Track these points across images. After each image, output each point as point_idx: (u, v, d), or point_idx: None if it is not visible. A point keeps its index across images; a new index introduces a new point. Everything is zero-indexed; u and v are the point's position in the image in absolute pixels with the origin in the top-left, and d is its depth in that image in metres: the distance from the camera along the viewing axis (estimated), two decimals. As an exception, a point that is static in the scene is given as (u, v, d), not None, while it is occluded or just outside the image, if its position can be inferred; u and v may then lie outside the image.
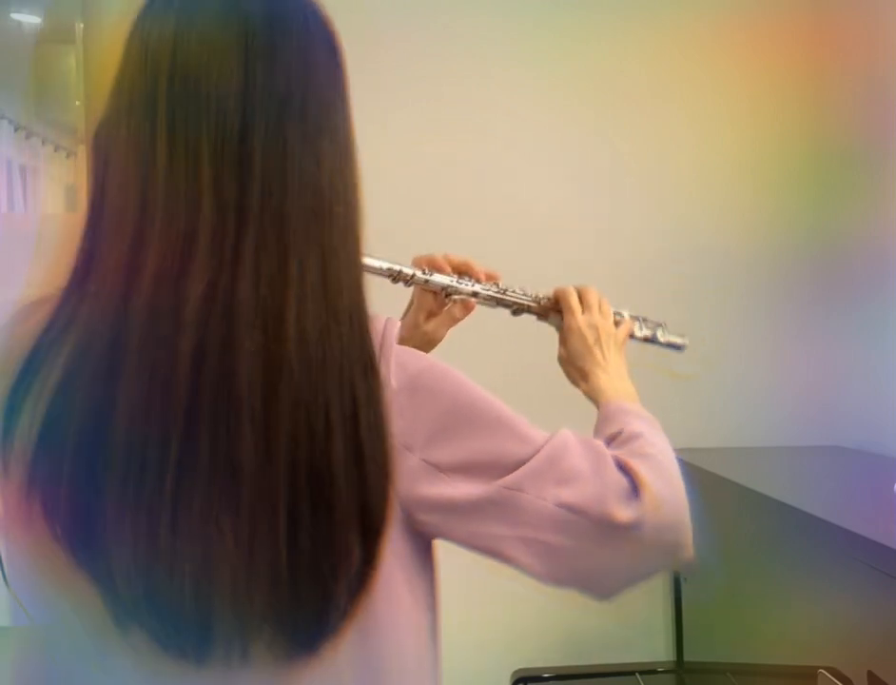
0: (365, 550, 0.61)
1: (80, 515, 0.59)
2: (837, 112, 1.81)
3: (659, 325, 1.09)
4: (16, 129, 1.75)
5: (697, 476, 1.56)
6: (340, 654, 0.62)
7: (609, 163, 1.86)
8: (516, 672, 1.76)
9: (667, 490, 0.69)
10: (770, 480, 1.44)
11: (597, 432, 0.81)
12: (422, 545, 0.69)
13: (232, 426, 0.58)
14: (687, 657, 1.73)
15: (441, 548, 0.76)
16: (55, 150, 1.77)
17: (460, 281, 0.96)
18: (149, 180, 0.61)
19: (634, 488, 0.66)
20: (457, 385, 0.67)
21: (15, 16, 1.76)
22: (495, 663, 1.79)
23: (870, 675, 0.98)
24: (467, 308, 0.97)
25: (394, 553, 0.64)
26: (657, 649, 1.83)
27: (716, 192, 1.87)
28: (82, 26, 1.69)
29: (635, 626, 1.82)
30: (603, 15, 1.85)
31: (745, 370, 1.85)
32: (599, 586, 0.69)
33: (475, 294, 0.97)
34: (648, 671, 1.74)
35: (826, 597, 1.13)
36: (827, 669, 1.06)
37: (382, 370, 0.64)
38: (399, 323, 0.68)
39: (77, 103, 1.72)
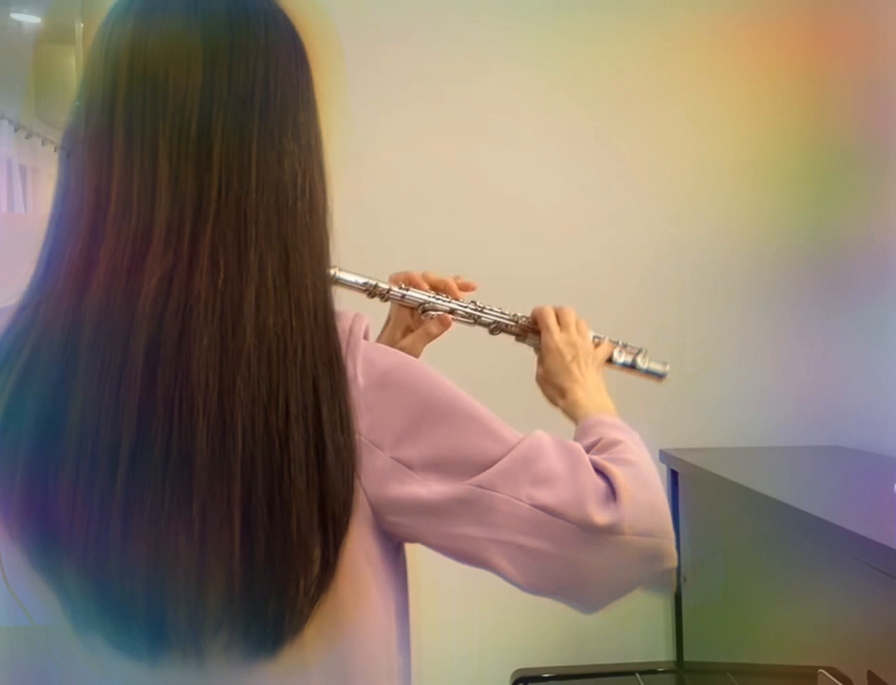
0: (325, 551, 0.60)
1: (33, 515, 0.59)
2: (837, 112, 1.81)
3: (640, 351, 1.05)
4: (16, 129, 1.75)
5: (697, 476, 1.57)
6: (307, 657, 0.61)
7: (609, 163, 1.86)
8: (516, 672, 1.76)
9: (646, 495, 0.67)
10: (770, 480, 1.44)
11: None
12: (392, 548, 0.68)
13: (186, 422, 0.57)
14: (687, 657, 1.73)
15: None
16: (55, 150, 1.77)
17: (438, 297, 0.96)
18: (107, 177, 0.61)
19: (612, 491, 0.65)
20: (429, 381, 0.66)
21: (15, 16, 1.76)
22: (495, 663, 1.78)
23: (870, 674, 0.98)
24: (443, 324, 0.95)
25: (365, 555, 0.63)
26: (657, 649, 1.83)
27: (716, 192, 1.87)
28: (82, 26, 1.69)
29: (635, 626, 1.82)
30: (603, 15, 1.85)
31: (745, 370, 1.85)
32: (580, 595, 0.68)
33: (452, 311, 0.96)
34: (648, 671, 1.74)
35: (826, 597, 1.13)
36: (827, 669, 1.06)
37: (349, 367, 0.63)
38: (366, 319, 0.67)
39: (77, 103, 1.72)
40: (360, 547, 0.63)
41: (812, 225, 1.83)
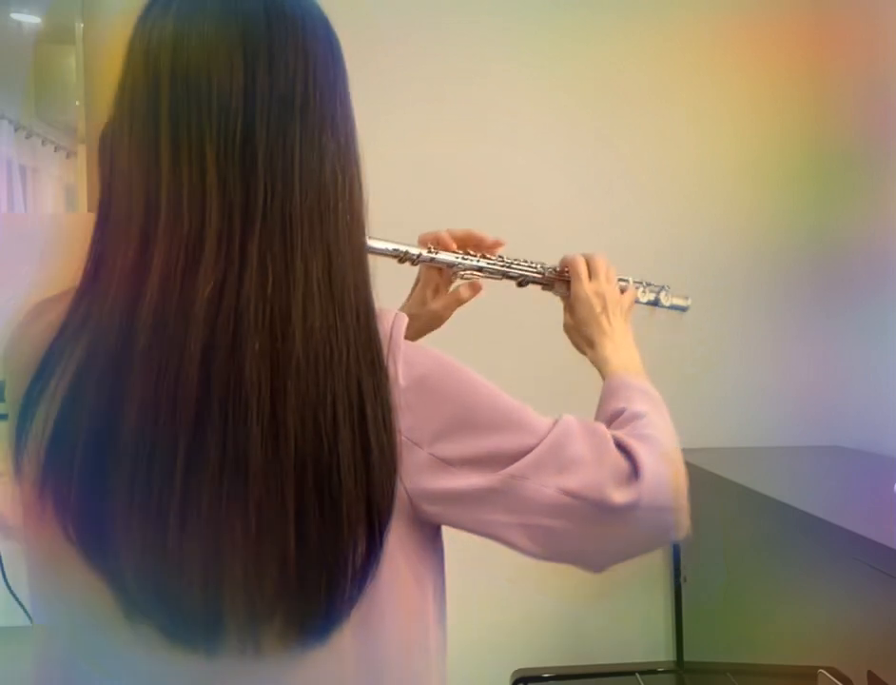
0: (370, 541, 0.62)
1: (90, 513, 0.61)
2: (837, 112, 1.81)
3: (662, 288, 1.10)
4: (16, 129, 1.75)
5: (697, 476, 1.57)
6: (345, 640, 0.64)
7: (609, 163, 1.86)
8: (515, 672, 1.76)
9: (665, 472, 0.70)
10: (770, 480, 1.44)
11: (601, 404, 0.82)
12: (429, 534, 0.70)
13: (240, 424, 0.59)
14: (687, 657, 1.73)
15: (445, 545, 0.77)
16: (55, 150, 1.77)
17: (466, 256, 0.97)
18: (154, 183, 0.61)
19: (634, 470, 0.68)
20: (465, 382, 0.68)
21: (15, 16, 1.76)
22: (495, 663, 1.78)
23: (870, 674, 0.98)
24: (474, 289, 0.97)
25: (399, 542, 0.66)
26: (657, 649, 1.83)
27: (716, 192, 1.87)
28: (82, 26, 1.69)
29: (635, 626, 1.82)
30: (603, 15, 1.85)
31: (745, 370, 1.85)
32: (592, 562, 0.71)
33: (480, 268, 0.98)
34: (648, 671, 1.74)
35: (826, 597, 1.13)
36: (827, 669, 1.06)
37: (391, 367, 0.65)
38: (406, 318, 0.68)
39: (77, 103, 1.72)
40: (395, 540, 0.65)
41: (812, 225, 1.83)
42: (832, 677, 1.04)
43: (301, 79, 0.63)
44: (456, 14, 1.84)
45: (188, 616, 0.61)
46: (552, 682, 1.74)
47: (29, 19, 1.77)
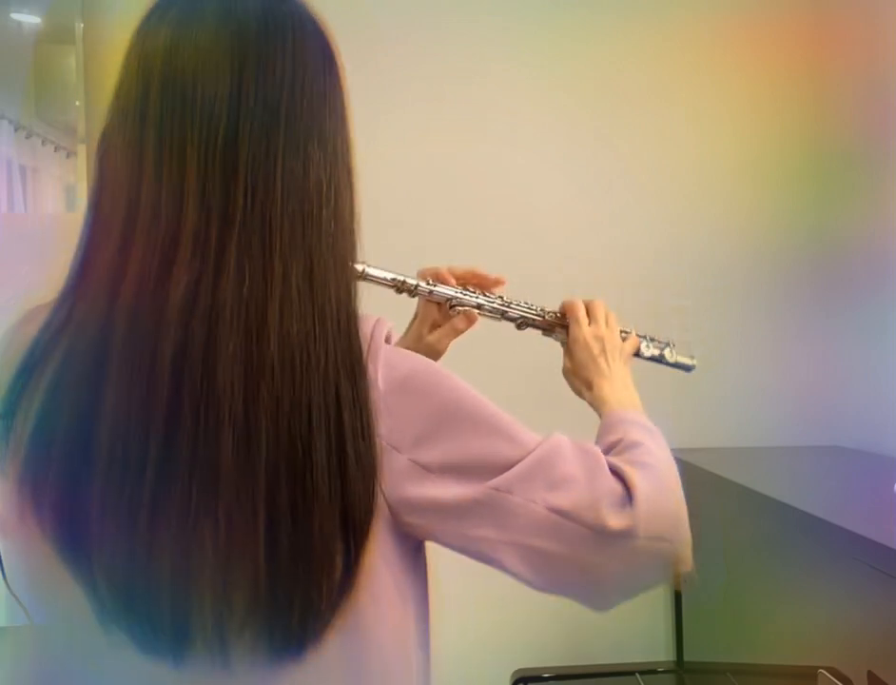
0: (348, 555, 0.60)
1: (65, 512, 0.60)
2: (837, 112, 1.81)
3: (667, 345, 1.07)
4: (16, 129, 1.75)
5: (697, 476, 1.57)
6: (324, 655, 0.62)
7: (609, 163, 1.86)
8: (516, 672, 1.76)
9: (663, 500, 0.67)
10: (770, 480, 1.44)
11: (598, 441, 0.80)
12: (411, 548, 0.68)
13: (212, 428, 0.58)
14: (687, 657, 1.73)
15: (439, 550, 0.76)
16: (55, 150, 1.77)
17: (465, 292, 0.96)
18: (138, 184, 0.62)
19: (629, 496, 0.65)
20: (448, 385, 0.66)
21: (15, 16, 1.76)
22: (495, 663, 1.78)
23: (870, 674, 0.98)
24: (470, 320, 0.96)
25: (382, 555, 0.64)
26: (657, 649, 1.83)
27: (716, 192, 1.87)
28: (82, 26, 1.69)
29: (635, 626, 1.82)
30: (603, 15, 1.85)
31: (745, 370, 1.85)
32: (593, 596, 0.69)
33: (479, 306, 0.97)
34: (648, 671, 1.74)
35: (826, 597, 1.13)
36: (827, 669, 1.06)
37: (370, 371, 0.64)
38: (389, 323, 0.68)
39: (77, 103, 1.72)
40: (377, 547, 0.63)
41: (812, 225, 1.83)
42: (832, 677, 1.05)
43: (289, 88, 0.64)
44: (455, 14, 1.84)
45: (157, 623, 0.59)
46: (552, 682, 1.74)
47: (29, 19, 1.77)
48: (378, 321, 0.67)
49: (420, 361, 0.68)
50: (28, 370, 0.63)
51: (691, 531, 0.70)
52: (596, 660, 1.81)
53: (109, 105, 0.66)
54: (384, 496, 0.63)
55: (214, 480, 0.57)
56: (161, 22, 0.65)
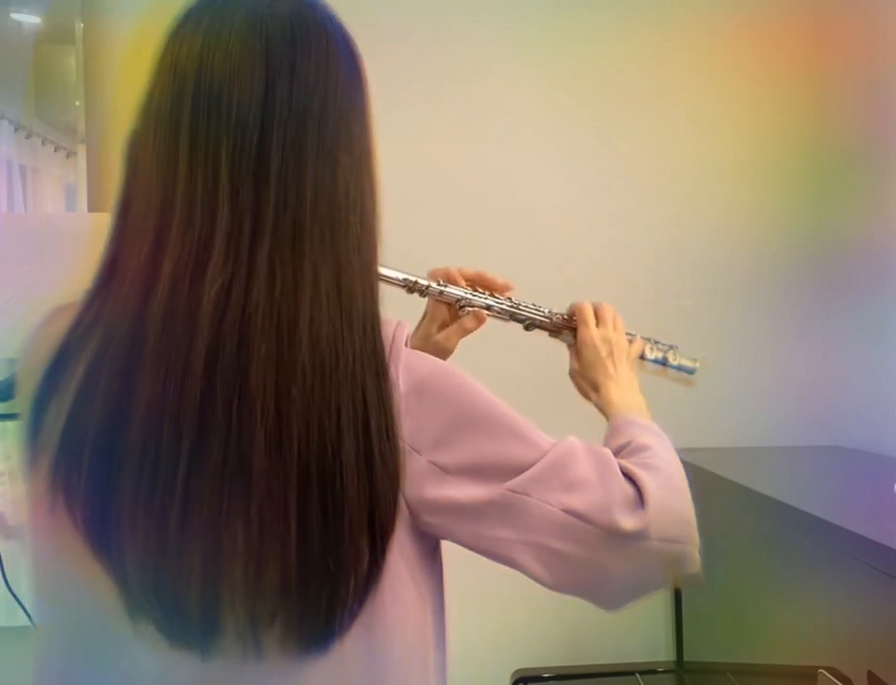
0: (373, 551, 0.62)
1: (97, 505, 0.61)
2: (837, 112, 1.81)
3: (671, 348, 1.08)
4: (16, 129, 1.75)
5: (697, 476, 1.57)
6: (347, 649, 0.63)
7: (609, 163, 1.86)
8: (516, 672, 1.76)
9: (673, 502, 0.69)
10: (770, 480, 1.44)
11: (606, 443, 0.81)
12: (429, 546, 0.70)
13: (244, 427, 0.59)
14: (687, 657, 1.73)
15: (443, 549, 0.76)
16: (55, 150, 1.77)
17: (475, 293, 0.98)
18: (171, 188, 0.63)
19: (640, 498, 0.67)
20: (465, 389, 0.68)
21: (15, 16, 1.76)
22: (495, 663, 1.79)
23: (870, 674, 0.98)
24: (479, 320, 0.98)
25: (400, 553, 0.65)
26: (657, 649, 1.83)
27: (716, 192, 1.87)
28: (82, 26, 1.69)
29: (635, 626, 1.82)
30: (603, 15, 1.85)
31: (745, 370, 1.85)
32: (604, 596, 0.70)
33: (488, 307, 0.99)
34: (648, 671, 1.74)
35: (826, 597, 1.13)
36: (827, 669, 1.06)
37: (392, 373, 0.65)
38: (407, 327, 0.69)
39: (77, 103, 1.72)
40: (397, 546, 0.65)
41: (812, 225, 1.83)
42: (832, 677, 1.05)
43: (321, 95, 0.65)
44: (456, 14, 1.84)
45: (186, 615, 0.61)
46: (552, 682, 1.74)
47: (29, 19, 1.77)
48: (399, 324, 0.69)
49: (438, 364, 0.70)
50: (59, 367, 0.64)
51: (698, 545, 0.70)
52: (596, 660, 1.81)
53: (140, 108, 0.67)
54: (404, 496, 0.64)
55: (246, 479, 0.59)
56: (195, 30, 0.66)
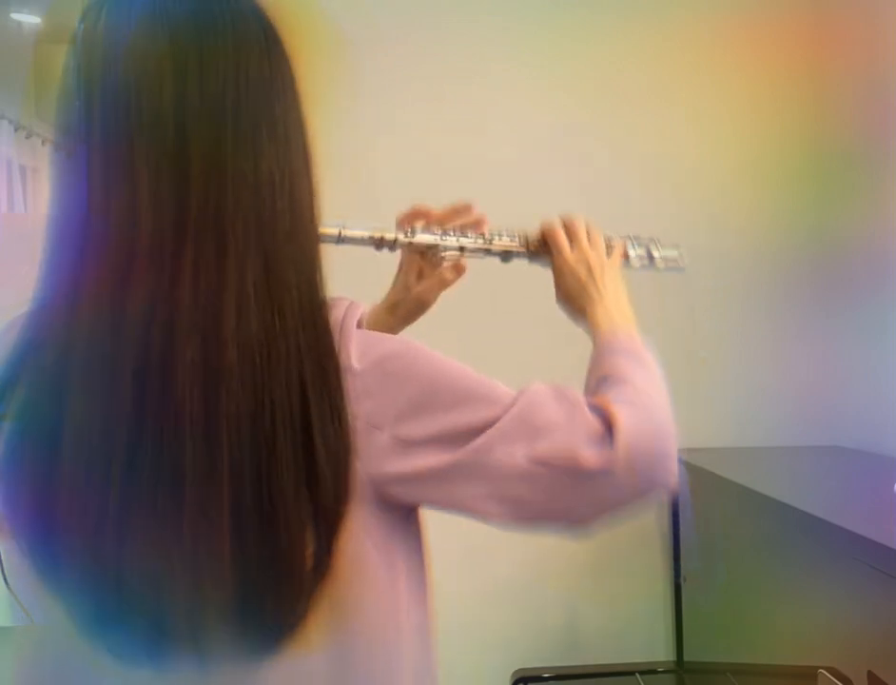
0: (319, 547, 0.61)
1: (38, 528, 0.60)
2: (837, 112, 1.81)
3: (651, 240, 1.06)
4: (16, 129, 1.75)
5: (697, 476, 1.57)
6: (310, 637, 0.62)
7: (609, 162, 1.86)
8: (516, 672, 1.76)
9: (645, 435, 0.67)
10: (770, 480, 1.44)
11: (588, 375, 0.80)
12: (399, 514, 0.68)
13: (174, 437, 0.58)
14: (687, 657, 1.73)
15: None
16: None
17: (445, 236, 0.92)
18: (88, 202, 0.61)
19: (609, 432, 0.66)
20: (424, 361, 0.67)
21: (15, 16, 1.76)
22: (495, 663, 1.78)
23: (870, 674, 0.98)
24: (458, 271, 0.94)
25: (365, 532, 0.64)
26: (657, 649, 1.83)
27: (716, 192, 1.87)
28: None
29: (635, 626, 1.82)
30: (603, 15, 1.85)
31: (745, 370, 1.85)
32: (571, 526, 0.69)
33: (461, 248, 0.93)
34: (648, 671, 1.74)
35: (826, 597, 1.13)
36: (827, 669, 1.06)
37: (343, 356, 0.63)
38: (361, 306, 0.68)
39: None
40: (360, 526, 0.64)
41: (812, 225, 1.83)
42: (832, 677, 1.05)
43: (233, 83, 0.62)
44: (456, 14, 1.84)
45: (131, 635, 0.60)
46: (552, 682, 1.74)
47: (29, 19, 1.77)
48: (350, 304, 0.67)
49: (394, 340, 0.69)
50: (5, 385, 0.63)
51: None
52: (596, 660, 1.80)
53: (54, 119, 0.64)
54: (367, 475, 0.63)
55: (179, 488, 0.57)
56: (94, 30, 0.64)
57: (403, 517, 0.69)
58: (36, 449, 0.60)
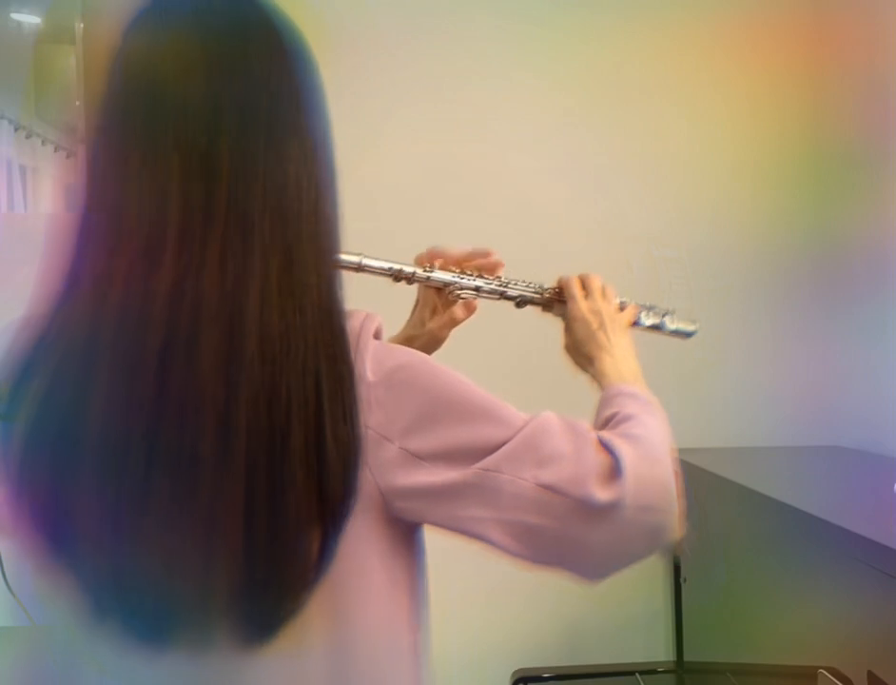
0: (325, 541, 0.62)
1: (57, 505, 0.62)
2: (837, 112, 1.81)
3: (667, 313, 1.07)
4: (16, 129, 1.75)
5: (697, 476, 1.57)
6: (310, 638, 0.64)
7: (608, 162, 1.86)
8: (516, 672, 1.76)
9: (651, 470, 0.68)
10: (770, 480, 1.44)
11: (596, 416, 0.81)
12: (403, 529, 0.69)
13: (194, 421, 0.59)
14: (687, 657, 1.73)
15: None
16: (55, 150, 1.77)
17: (462, 276, 0.97)
18: (124, 189, 0.64)
19: (617, 467, 0.66)
20: (436, 376, 0.68)
21: (15, 16, 1.76)
22: (495, 663, 1.78)
23: (870, 674, 0.98)
24: (469, 309, 0.97)
25: (369, 540, 0.66)
26: (657, 649, 1.83)
27: (716, 192, 1.87)
28: (82, 26, 1.69)
29: (635, 626, 1.82)
30: (603, 15, 1.85)
31: (745, 370, 1.85)
32: (581, 567, 0.69)
33: (477, 288, 0.97)
34: (648, 671, 1.74)
35: (826, 597, 1.13)
36: (827, 669, 1.06)
37: (359, 365, 0.65)
38: (378, 318, 0.69)
39: (77, 103, 1.72)
40: (365, 533, 0.65)
41: (812, 225, 1.83)
42: (832, 677, 1.05)
43: (265, 88, 0.65)
44: (456, 15, 1.84)
45: (144, 610, 0.62)
46: (552, 682, 1.74)
47: (29, 19, 1.77)
48: (367, 316, 0.69)
49: (408, 353, 0.70)
50: (27, 376, 0.64)
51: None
52: (596, 660, 1.81)
53: (96, 110, 0.68)
54: (377, 484, 0.65)
55: (197, 472, 0.59)
56: (140, 30, 0.67)
57: (407, 535, 0.70)
58: (60, 434, 0.62)
